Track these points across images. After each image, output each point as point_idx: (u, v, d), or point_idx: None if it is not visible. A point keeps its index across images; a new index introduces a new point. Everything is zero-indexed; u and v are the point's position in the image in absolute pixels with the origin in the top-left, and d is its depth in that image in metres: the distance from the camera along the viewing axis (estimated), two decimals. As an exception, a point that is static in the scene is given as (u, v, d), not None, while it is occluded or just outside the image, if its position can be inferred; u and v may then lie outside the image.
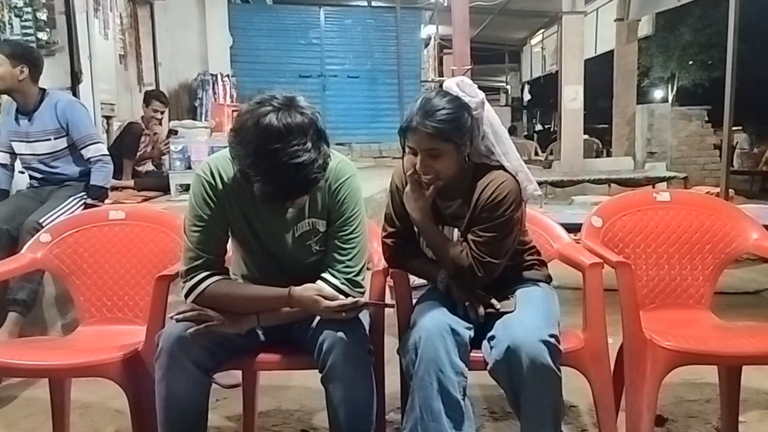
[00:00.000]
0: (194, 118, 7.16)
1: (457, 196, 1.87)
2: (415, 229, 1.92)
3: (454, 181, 1.83)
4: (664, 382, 1.83)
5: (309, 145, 1.54)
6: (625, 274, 1.92)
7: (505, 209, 1.78)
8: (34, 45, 4.11)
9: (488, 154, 1.84)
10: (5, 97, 3.35)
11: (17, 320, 2.86)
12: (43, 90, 3.26)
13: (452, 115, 1.73)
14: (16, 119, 3.23)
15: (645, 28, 10.91)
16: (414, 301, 1.96)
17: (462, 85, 1.78)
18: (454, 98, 1.75)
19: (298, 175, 1.53)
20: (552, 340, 1.63)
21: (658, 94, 22.53)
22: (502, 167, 1.84)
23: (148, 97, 5.35)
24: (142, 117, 5.31)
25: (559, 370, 1.64)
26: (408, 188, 1.84)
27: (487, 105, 1.82)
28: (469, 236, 1.82)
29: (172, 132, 5.06)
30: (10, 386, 2.68)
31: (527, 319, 1.71)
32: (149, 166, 5.26)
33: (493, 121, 1.84)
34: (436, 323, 1.72)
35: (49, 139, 3.22)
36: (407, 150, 1.81)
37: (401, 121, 1.80)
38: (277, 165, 1.51)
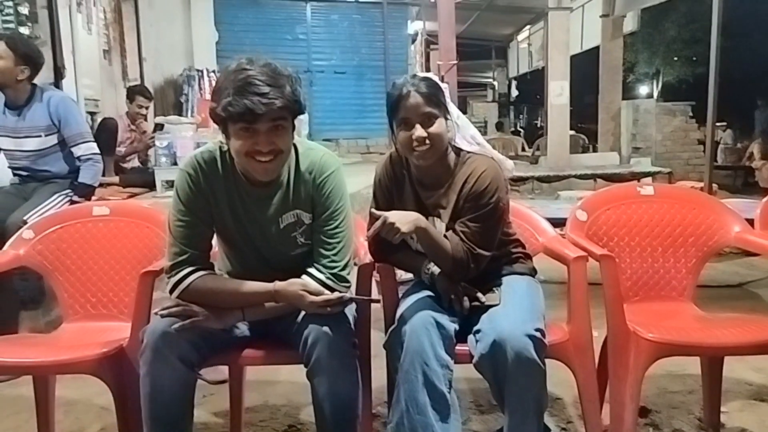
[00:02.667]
0: (180, 114, 7.11)
1: (439, 186, 1.90)
2: None
3: (438, 166, 1.87)
4: (647, 373, 1.85)
5: (283, 81, 1.60)
6: (609, 267, 1.94)
7: (491, 196, 1.81)
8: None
9: (463, 135, 1.92)
10: None
11: (31, 316, 3.01)
12: (35, 85, 3.19)
13: (434, 84, 1.85)
14: (4, 112, 3.17)
15: (630, 24, 10.97)
16: (400, 295, 1.97)
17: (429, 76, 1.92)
18: (427, 76, 1.88)
19: (270, 93, 1.56)
20: (537, 334, 1.64)
21: (643, 89, 22.68)
22: (480, 155, 1.90)
23: (132, 93, 5.28)
24: (127, 113, 5.26)
25: (544, 363, 1.65)
26: (390, 215, 1.75)
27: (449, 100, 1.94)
28: (458, 227, 1.83)
29: (159, 126, 5.02)
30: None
31: (513, 313, 1.72)
32: (135, 162, 5.21)
33: (453, 111, 1.93)
34: (422, 317, 1.72)
35: (39, 136, 3.17)
36: (399, 126, 1.83)
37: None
38: (251, 83, 1.56)
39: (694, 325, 2.10)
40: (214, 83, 7.24)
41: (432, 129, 1.80)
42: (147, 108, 5.27)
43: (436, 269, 1.86)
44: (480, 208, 1.81)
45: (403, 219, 1.73)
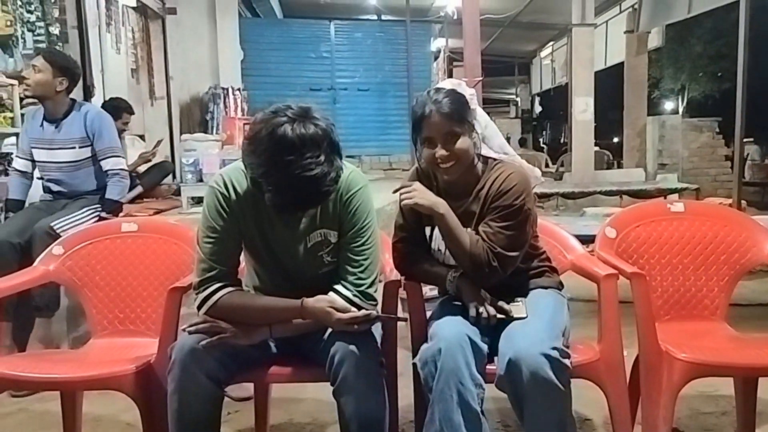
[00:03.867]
0: (205, 131, 7.21)
1: (467, 195, 1.89)
2: (426, 232, 1.92)
3: (465, 176, 1.87)
4: (679, 394, 1.81)
5: (322, 158, 1.54)
6: (640, 285, 1.91)
7: (515, 198, 1.80)
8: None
9: (490, 146, 1.93)
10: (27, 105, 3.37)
11: (45, 324, 3.00)
12: (74, 100, 3.30)
13: (457, 99, 1.85)
14: (42, 125, 3.25)
15: (655, 40, 10.91)
16: (427, 313, 1.95)
17: (453, 84, 1.95)
18: (451, 90, 1.88)
19: (309, 187, 1.54)
20: (554, 353, 1.59)
21: (668, 105, 22.45)
22: (508, 163, 1.91)
23: (118, 111, 4.59)
24: None
25: (564, 384, 1.60)
26: (418, 185, 1.83)
27: (476, 104, 1.97)
28: (481, 228, 1.83)
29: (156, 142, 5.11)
30: (22, 399, 2.67)
31: (531, 330, 1.68)
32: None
33: (482, 117, 1.95)
34: (456, 334, 1.70)
35: (74, 147, 3.23)
36: (423, 144, 1.85)
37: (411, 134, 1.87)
38: (290, 177, 1.52)
39: (728, 345, 2.06)
40: (239, 102, 7.20)
41: (455, 147, 1.80)
42: (129, 123, 4.98)
43: (455, 273, 1.85)
44: (504, 209, 1.80)
45: (425, 194, 1.79)
